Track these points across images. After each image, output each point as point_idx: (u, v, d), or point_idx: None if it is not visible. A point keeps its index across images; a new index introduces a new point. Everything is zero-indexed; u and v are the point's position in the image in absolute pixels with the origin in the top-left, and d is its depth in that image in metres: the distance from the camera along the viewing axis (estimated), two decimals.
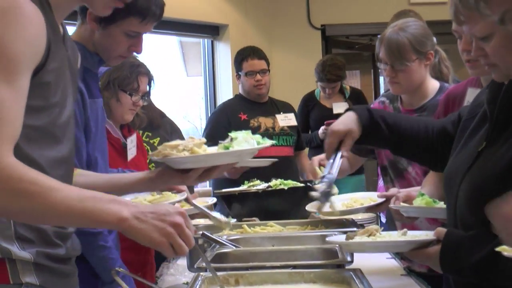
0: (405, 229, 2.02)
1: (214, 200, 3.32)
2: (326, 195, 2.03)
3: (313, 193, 2.05)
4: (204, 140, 1.89)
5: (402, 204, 2.35)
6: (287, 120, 4.70)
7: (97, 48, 2.39)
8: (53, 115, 1.65)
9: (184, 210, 1.61)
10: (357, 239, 1.96)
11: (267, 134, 4.56)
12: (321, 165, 2.99)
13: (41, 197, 1.44)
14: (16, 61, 1.49)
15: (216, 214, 2.20)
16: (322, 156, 3.04)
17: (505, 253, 1.44)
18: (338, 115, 5.75)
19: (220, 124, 4.47)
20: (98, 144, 2.43)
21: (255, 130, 4.50)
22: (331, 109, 5.78)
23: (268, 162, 3.80)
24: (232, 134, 1.91)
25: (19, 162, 1.45)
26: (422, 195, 2.39)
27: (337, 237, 2.12)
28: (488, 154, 1.72)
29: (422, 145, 2.18)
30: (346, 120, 2.17)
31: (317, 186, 2.06)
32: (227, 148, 1.84)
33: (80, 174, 1.99)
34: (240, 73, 4.68)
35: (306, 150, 5.33)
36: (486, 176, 1.66)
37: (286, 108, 4.85)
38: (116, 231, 2.51)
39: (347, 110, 2.22)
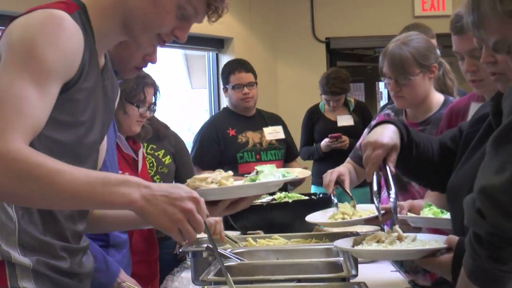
0: (414, 235, 1.98)
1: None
2: (395, 211, 2.06)
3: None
4: (231, 173, 1.91)
5: (409, 214, 2.35)
6: (274, 133, 4.68)
7: (112, 61, 2.40)
8: (80, 134, 1.68)
9: (197, 195, 1.58)
10: (365, 244, 1.95)
11: (255, 149, 4.59)
12: (340, 180, 2.97)
13: (48, 179, 1.43)
14: (49, 68, 1.54)
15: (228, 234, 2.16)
16: (342, 170, 3.03)
17: None
18: (342, 128, 5.83)
19: (210, 140, 4.48)
20: (111, 158, 2.43)
21: (243, 146, 4.55)
22: (336, 122, 5.79)
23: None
24: (258, 168, 1.95)
25: (27, 147, 1.46)
26: (430, 205, 2.39)
27: (344, 242, 2.07)
28: None
29: (432, 167, 2.14)
30: (390, 133, 2.06)
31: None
32: (253, 180, 1.87)
33: None
34: (227, 86, 4.66)
35: (299, 159, 5.33)
36: None
37: (274, 120, 4.84)
38: (127, 247, 2.51)
39: (382, 123, 2.14)
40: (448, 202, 1.96)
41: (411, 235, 1.94)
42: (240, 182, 1.91)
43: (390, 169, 2.04)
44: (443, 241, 1.79)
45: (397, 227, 1.99)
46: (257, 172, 1.94)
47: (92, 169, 1.75)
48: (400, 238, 1.91)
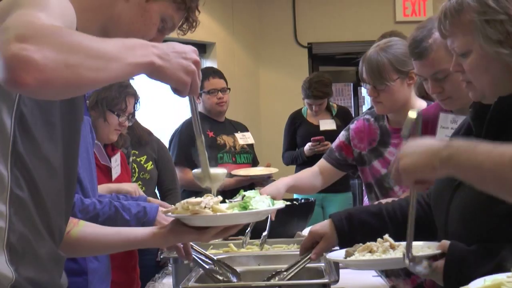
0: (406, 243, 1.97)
1: None
2: None
3: None
4: (220, 198, 1.90)
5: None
6: (245, 138, 4.87)
7: None
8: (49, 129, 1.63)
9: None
10: (357, 255, 1.94)
11: (231, 152, 4.72)
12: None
13: (87, 44, 1.34)
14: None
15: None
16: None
17: None
18: (324, 132, 5.87)
19: (189, 140, 4.48)
20: (86, 165, 2.40)
21: (221, 148, 4.69)
22: (318, 126, 5.81)
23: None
24: (245, 193, 1.95)
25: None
26: None
27: (337, 254, 2.06)
28: None
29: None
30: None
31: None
32: (245, 208, 1.87)
33: (88, 225, 1.95)
34: (200, 92, 4.74)
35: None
36: (479, 192, 1.67)
37: (241, 127, 5.01)
38: (106, 254, 2.48)
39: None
40: (432, 206, 1.97)
41: (403, 243, 1.93)
42: (225, 205, 1.91)
43: (310, 256, 2.15)
44: (436, 246, 1.79)
45: (387, 236, 1.98)
46: (243, 197, 1.93)
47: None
48: (392, 247, 1.91)
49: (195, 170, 1.91)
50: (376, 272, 2.77)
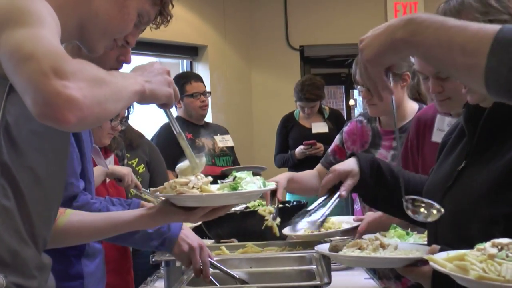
0: (396, 243, 1.97)
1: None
2: (318, 226, 2.04)
3: (304, 222, 2.07)
4: (211, 179, 1.89)
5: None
6: (224, 141, 4.87)
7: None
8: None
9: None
10: (346, 251, 1.91)
11: (210, 154, 4.73)
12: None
13: (106, 80, 1.39)
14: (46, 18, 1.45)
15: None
16: (278, 178, 3.03)
17: (432, 264, 1.46)
18: (317, 135, 5.86)
19: (168, 142, 4.47)
20: (87, 169, 2.40)
21: (200, 150, 4.58)
22: (310, 129, 5.81)
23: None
24: (237, 174, 1.93)
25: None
26: (395, 228, 2.41)
27: (325, 247, 2.00)
28: (470, 173, 1.73)
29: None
30: (349, 162, 2.14)
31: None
32: (235, 188, 1.85)
33: (74, 213, 1.95)
34: (182, 95, 4.76)
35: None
36: (471, 196, 1.67)
37: (221, 131, 5.01)
38: (100, 257, 2.48)
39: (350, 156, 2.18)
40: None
41: (393, 243, 1.93)
42: (216, 186, 1.90)
43: (340, 193, 2.10)
44: (426, 251, 1.79)
45: (378, 234, 1.98)
46: (234, 178, 1.92)
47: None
48: (382, 246, 1.90)
49: (179, 165, 1.91)
50: (368, 274, 2.77)
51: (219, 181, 1.95)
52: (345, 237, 2.92)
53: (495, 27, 1.29)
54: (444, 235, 1.77)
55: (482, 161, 1.72)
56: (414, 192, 1.84)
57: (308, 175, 3.23)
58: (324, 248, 1.96)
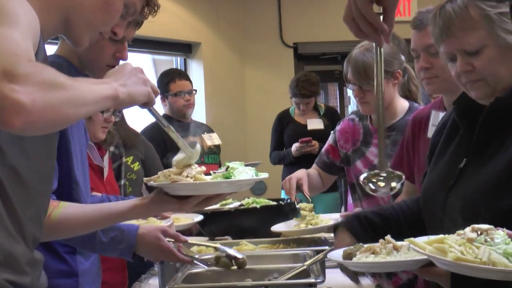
0: (408, 243, 1.94)
1: (201, 217, 3.28)
2: None
3: None
4: (204, 168, 1.90)
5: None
6: (212, 139, 4.86)
7: (83, 62, 2.35)
8: None
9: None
10: (360, 257, 1.87)
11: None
12: (298, 184, 3.05)
13: (67, 86, 1.35)
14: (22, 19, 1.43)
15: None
16: (300, 174, 3.09)
17: (412, 246, 1.49)
18: (312, 131, 5.84)
19: (154, 142, 4.48)
20: (80, 167, 2.37)
21: (192, 145, 4.57)
22: (306, 126, 5.81)
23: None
24: (230, 164, 1.94)
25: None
26: None
27: (337, 254, 1.93)
28: (473, 169, 1.74)
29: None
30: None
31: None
32: (228, 177, 1.86)
33: (68, 206, 1.95)
34: (166, 94, 4.76)
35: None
36: (478, 191, 1.67)
37: (207, 129, 5.02)
38: (95, 255, 2.47)
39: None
40: (422, 206, 1.95)
41: (406, 244, 1.87)
42: (209, 177, 1.90)
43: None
44: None
45: (389, 237, 1.95)
46: (227, 168, 1.93)
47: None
48: (396, 248, 1.82)
49: (175, 158, 1.91)
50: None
51: (211, 171, 1.95)
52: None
53: None
54: (456, 228, 1.75)
55: (485, 156, 1.72)
56: (412, 220, 1.84)
57: (314, 175, 3.26)
58: (337, 256, 1.90)
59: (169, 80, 4.81)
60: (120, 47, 2.33)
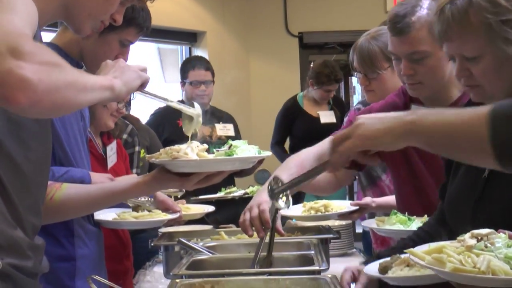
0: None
1: (212, 208, 3.29)
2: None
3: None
4: (206, 146, 1.91)
5: (373, 226, 2.40)
6: (225, 130, 4.82)
7: (85, 55, 2.36)
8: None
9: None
10: (396, 270, 1.78)
11: (204, 141, 4.63)
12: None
13: (66, 69, 1.37)
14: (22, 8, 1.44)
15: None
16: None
17: (412, 257, 1.48)
18: (325, 125, 5.63)
19: (156, 129, 4.48)
20: (76, 151, 2.38)
21: (193, 137, 4.55)
22: (318, 119, 5.69)
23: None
24: (233, 142, 1.94)
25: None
26: (396, 213, 2.41)
27: (372, 267, 1.89)
28: (499, 180, 1.67)
29: None
30: None
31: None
32: (230, 155, 1.86)
33: (71, 187, 1.96)
34: (185, 80, 4.77)
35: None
36: (509, 202, 1.64)
37: (226, 119, 4.96)
38: (95, 240, 2.47)
39: None
40: (449, 220, 1.89)
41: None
42: (212, 155, 1.90)
43: None
44: None
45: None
46: (230, 146, 1.93)
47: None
48: None
49: (184, 128, 2.01)
50: (364, 259, 2.79)
51: (214, 150, 1.96)
52: (343, 221, 2.95)
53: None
54: None
55: None
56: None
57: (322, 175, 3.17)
58: (373, 270, 1.86)
59: (189, 67, 4.81)
60: (125, 50, 2.38)
